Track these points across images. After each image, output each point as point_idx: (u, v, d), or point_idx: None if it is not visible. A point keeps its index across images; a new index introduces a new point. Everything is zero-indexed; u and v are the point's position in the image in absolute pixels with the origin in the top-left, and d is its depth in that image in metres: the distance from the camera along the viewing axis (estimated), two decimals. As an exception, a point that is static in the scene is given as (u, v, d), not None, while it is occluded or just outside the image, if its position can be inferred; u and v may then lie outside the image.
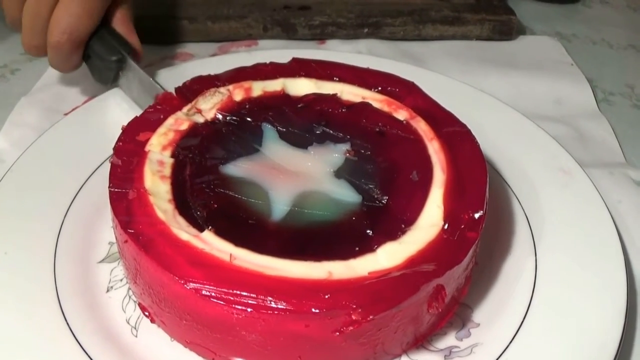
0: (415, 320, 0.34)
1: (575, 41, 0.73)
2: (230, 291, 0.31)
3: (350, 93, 0.46)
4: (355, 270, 0.33)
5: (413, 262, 0.34)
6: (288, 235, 0.36)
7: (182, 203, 0.37)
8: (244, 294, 0.31)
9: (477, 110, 0.50)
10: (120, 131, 0.42)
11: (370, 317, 0.31)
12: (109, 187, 0.37)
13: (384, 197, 0.38)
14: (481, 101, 0.54)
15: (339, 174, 0.40)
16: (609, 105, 0.62)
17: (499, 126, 0.51)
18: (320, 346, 0.33)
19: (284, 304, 0.31)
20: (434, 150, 0.41)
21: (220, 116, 0.43)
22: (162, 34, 0.67)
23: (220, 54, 0.66)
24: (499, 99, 0.55)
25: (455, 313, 0.38)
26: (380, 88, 0.46)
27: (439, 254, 0.34)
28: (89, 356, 0.34)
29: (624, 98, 0.64)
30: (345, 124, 0.43)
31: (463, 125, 0.43)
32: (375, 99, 0.45)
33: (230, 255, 0.33)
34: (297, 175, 0.39)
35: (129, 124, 0.42)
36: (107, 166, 0.39)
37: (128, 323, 0.38)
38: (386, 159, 0.41)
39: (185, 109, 0.44)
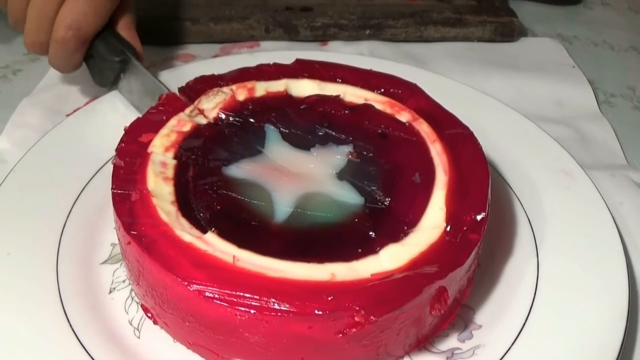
0: (418, 322, 0.34)
1: (577, 43, 0.73)
2: (233, 293, 0.31)
3: (353, 94, 0.46)
4: (358, 272, 0.33)
5: (415, 264, 0.34)
6: (291, 237, 0.36)
7: (185, 204, 0.37)
8: (247, 295, 0.31)
9: (478, 112, 0.50)
10: (123, 132, 0.42)
11: (373, 319, 0.31)
12: (111, 188, 0.37)
13: (387, 199, 0.38)
14: (483, 103, 0.54)
15: (341, 175, 0.40)
16: (610, 107, 0.62)
17: (500, 128, 0.51)
18: (323, 348, 0.33)
19: (287, 305, 0.31)
20: (436, 152, 0.41)
21: (223, 116, 0.43)
22: (164, 35, 0.67)
23: (222, 55, 0.66)
24: (500, 100, 0.55)
25: (458, 315, 0.38)
26: (382, 90, 0.46)
27: (442, 255, 0.34)
28: (91, 357, 0.35)
29: (625, 100, 0.64)
30: (348, 125, 0.43)
31: (465, 127, 0.43)
32: (378, 101, 0.45)
33: (233, 256, 0.33)
34: (300, 176, 0.40)
35: (131, 125, 0.42)
36: (110, 167, 0.39)
37: (131, 324, 0.38)
38: (388, 161, 0.41)
39: (187, 110, 0.44)
